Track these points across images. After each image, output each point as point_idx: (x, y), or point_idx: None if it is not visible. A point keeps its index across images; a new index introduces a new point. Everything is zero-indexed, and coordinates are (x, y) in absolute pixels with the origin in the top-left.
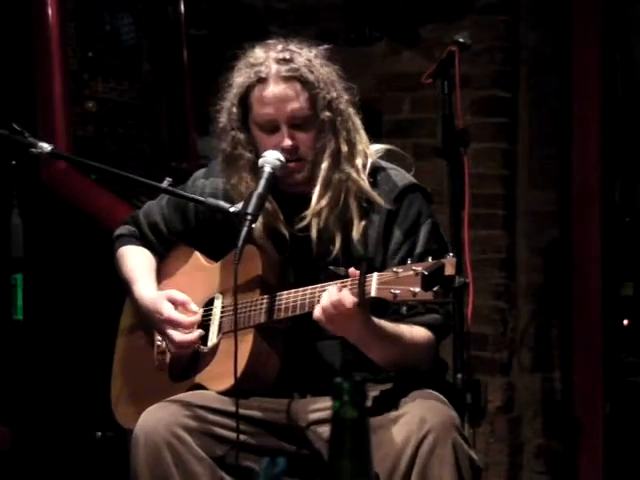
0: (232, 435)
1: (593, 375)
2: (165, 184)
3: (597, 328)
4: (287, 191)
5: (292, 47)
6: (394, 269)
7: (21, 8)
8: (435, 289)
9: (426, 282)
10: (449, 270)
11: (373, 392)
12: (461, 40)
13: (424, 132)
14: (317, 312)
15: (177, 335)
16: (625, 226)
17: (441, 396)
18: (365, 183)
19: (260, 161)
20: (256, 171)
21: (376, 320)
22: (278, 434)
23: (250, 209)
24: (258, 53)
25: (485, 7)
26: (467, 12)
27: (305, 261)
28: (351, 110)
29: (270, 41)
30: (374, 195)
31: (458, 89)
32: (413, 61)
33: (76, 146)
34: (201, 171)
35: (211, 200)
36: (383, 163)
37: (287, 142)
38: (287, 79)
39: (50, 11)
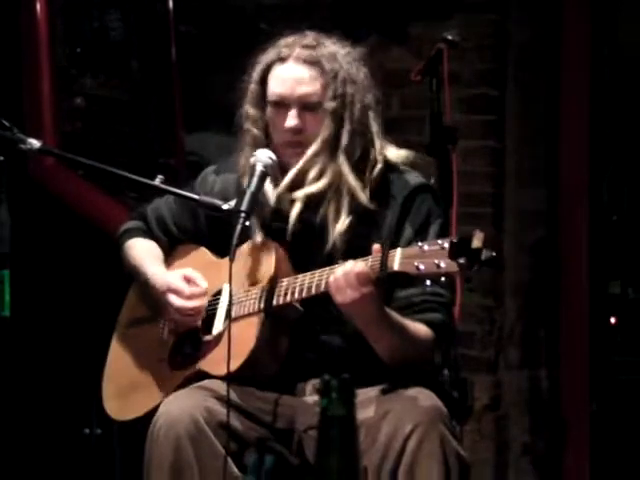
0: (247, 433)
1: (580, 373)
2: (157, 181)
3: (584, 326)
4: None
5: (322, 39)
6: (419, 244)
7: (9, 4)
8: (461, 261)
9: (454, 250)
10: (476, 243)
11: (361, 389)
12: (450, 38)
13: (413, 129)
14: (330, 279)
15: (177, 300)
16: (612, 224)
17: (430, 392)
18: (352, 179)
19: (252, 160)
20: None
21: (386, 308)
22: (277, 435)
23: (243, 207)
24: (288, 38)
25: (474, 5)
26: (456, 10)
27: (304, 249)
28: (370, 114)
29: (308, 32)
30: (359, 192)
31: (447, 86)
32: (402, 58)
33: (64, 142)
34: (212, 167)
35: (204, 198)
36: (400, 166)
37: (292, 121)
38: (306, 62)
39: (38, 6)
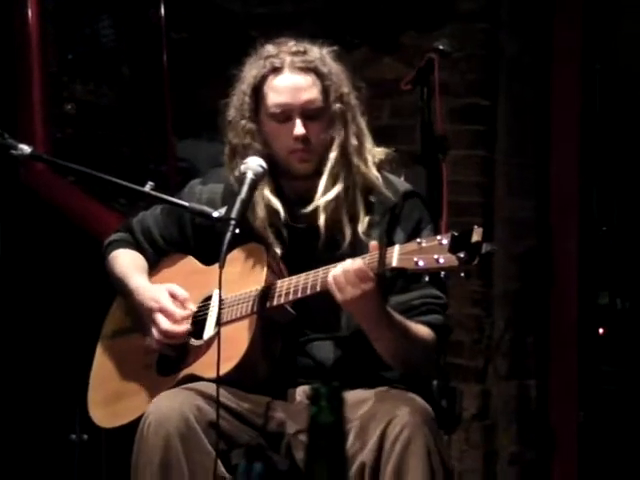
0: (236, 434)
1: (568, 383)
2: (148, 188)
3: (573, 336)
4: (291, 185)
5: (305, 44)
6: (417, 240)
7: (0, 10)
8: (461, 255)
9: (454, 244)
10: (476, 237)
11: (350, 394)
12: (441, 47)
13: (403, 138)
14: (329, 278)
15: (166, 323)
16: (602, 235)
17: (416, 395)
18: (374, 177)
19: (242, 167)
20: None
21: (388, 307)
22: (267, 438)
23: (233, 214)
24: (270, 48)
25: (466, 15)
26: (448, 20)
27: (309, 254)
28: (359, 111)
29: (281, 39)
30: (383, 189)
31: (438, 96)
32: (393, 68)
33: (55, 148)
34: (197, 179)
35: (194, 205)
36: (386, 169)
37: (300, 130)
38: (302, 69)
39: (30, 13)
